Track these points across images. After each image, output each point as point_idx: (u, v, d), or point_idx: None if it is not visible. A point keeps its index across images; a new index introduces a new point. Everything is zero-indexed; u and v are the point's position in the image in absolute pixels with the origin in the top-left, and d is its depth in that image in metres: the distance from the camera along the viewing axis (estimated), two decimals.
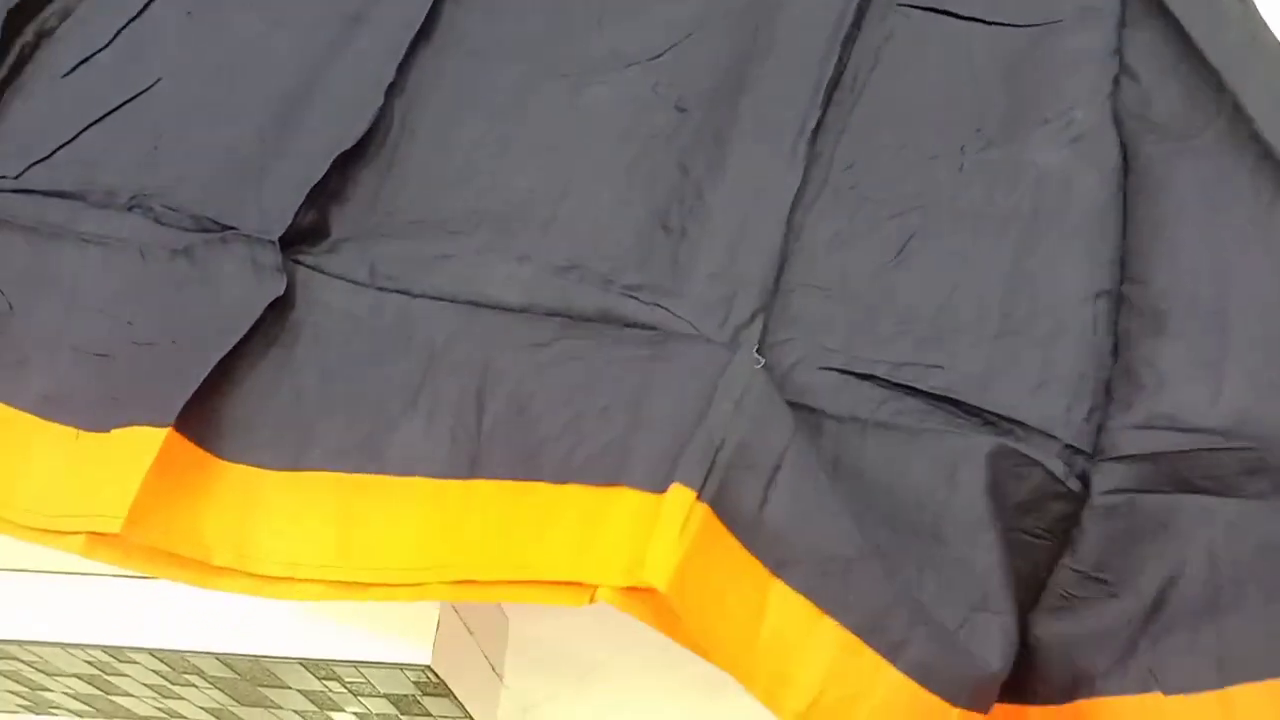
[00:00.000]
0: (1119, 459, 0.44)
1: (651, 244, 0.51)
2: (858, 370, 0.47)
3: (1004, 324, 0.47)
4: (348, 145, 0.55)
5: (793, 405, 0.45)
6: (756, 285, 0.49)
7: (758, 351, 0.47)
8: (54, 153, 0.61)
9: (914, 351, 0.47)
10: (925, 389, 0.46)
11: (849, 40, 0.57)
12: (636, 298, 0.49)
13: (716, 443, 0.41)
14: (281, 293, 0.50)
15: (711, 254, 0.50)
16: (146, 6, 0.68)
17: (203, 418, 0.48)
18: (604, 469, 0.44)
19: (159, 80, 0.64)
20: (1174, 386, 0.45)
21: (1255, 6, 0.55)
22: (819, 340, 0.48)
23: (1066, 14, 0.57)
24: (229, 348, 0.49)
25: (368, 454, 0.46)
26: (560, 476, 0.44)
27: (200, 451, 0.48)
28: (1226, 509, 0.43)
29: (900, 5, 0.60)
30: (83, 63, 0.65)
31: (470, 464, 0.46)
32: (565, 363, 0.47)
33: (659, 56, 0.60)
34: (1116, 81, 0.53)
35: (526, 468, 0.45)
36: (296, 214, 0.52)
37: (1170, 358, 0.45)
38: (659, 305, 0.49)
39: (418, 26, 0.61)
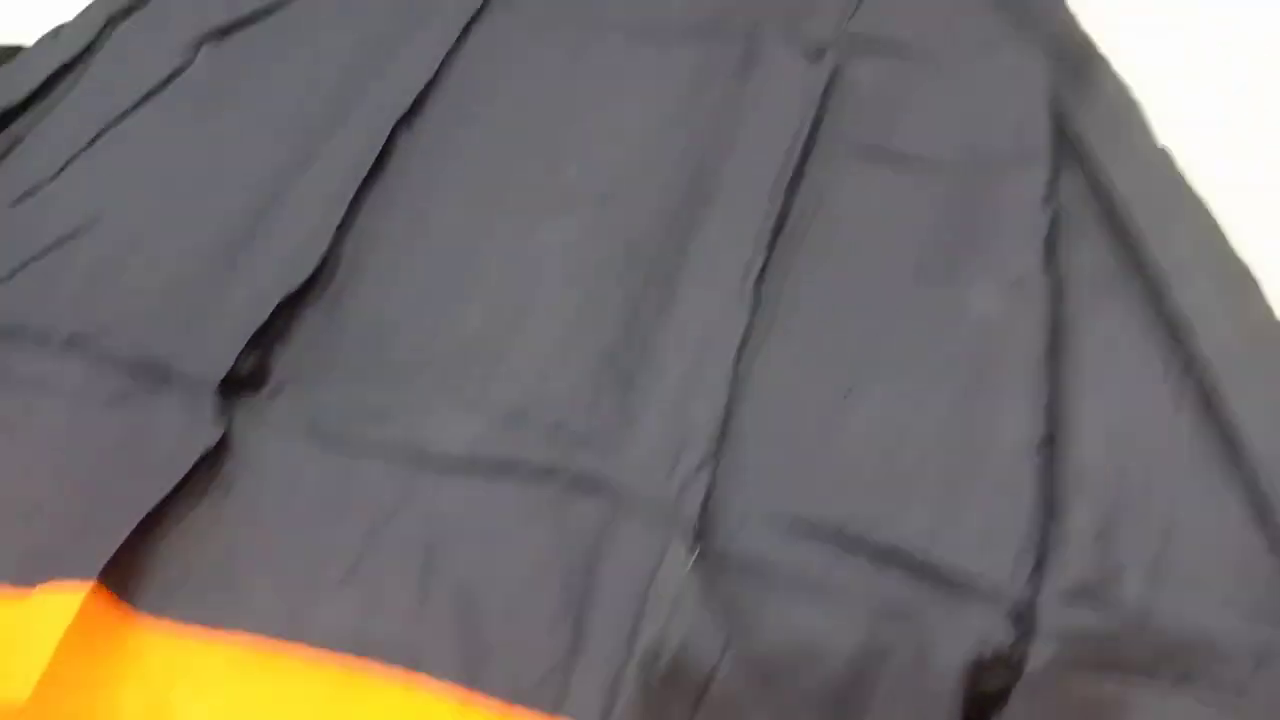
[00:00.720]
0: (1050, 632, 0.43)
1: (600, 388, 0.51)
2: (806, 522, 0.47)
3: (950, 475, 0.47)
4: (294, 287, 0.55)
5: (741, 567, 0.44)
6: (704, 433, 0.48)
7: (705, 502, 0.46)
8: None
9: (862, 502, 0.47)
10: (874, 542, 0.46)
11: (794, 183, 0.59)
12: (584, 448, 0.49)
13: (650, 663, 0.41)
14: (215, 443, 0.49)
15: (660, 400, 0.50)
16: (96, 138, 0.68)
17: (129, 573, 0.46)
18: (549, 695, 0.42)
19: (103, 215, 0.63)
20: (1091, 559, 0.44)
21: (1173, 159, 0.58)
22: (767, 490, 0.48)
23: (1003, 158, 0.59)
24: (159, 499, 0.48)
25: (297, 624, 0.45)
26: (510, 696, 0.42)
27: (124, 608, 0.46)
28: (1146, 698, 0.42)
29: (844, 148, 0.61)
30: (28, 194, 0.65)
31: (411, 657, 0.44)
32: (514, 545, 0.46)
33: (611, 195, 0.61)
34: (1051, 226, 0.55)
35: (471, 676, 0.43)
36: (237, 358, 0.52)
37: (1089, 528, 0.45)
38: (607, 457, 0.48)
39: (370, 163, 0.61)
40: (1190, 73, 0.69)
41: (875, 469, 0.48)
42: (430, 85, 0.67)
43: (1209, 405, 0.48)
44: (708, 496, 0.46)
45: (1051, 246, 0.54)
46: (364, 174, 0.61)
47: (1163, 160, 0.57)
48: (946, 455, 0.48)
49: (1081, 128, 0.58)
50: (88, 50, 0.74)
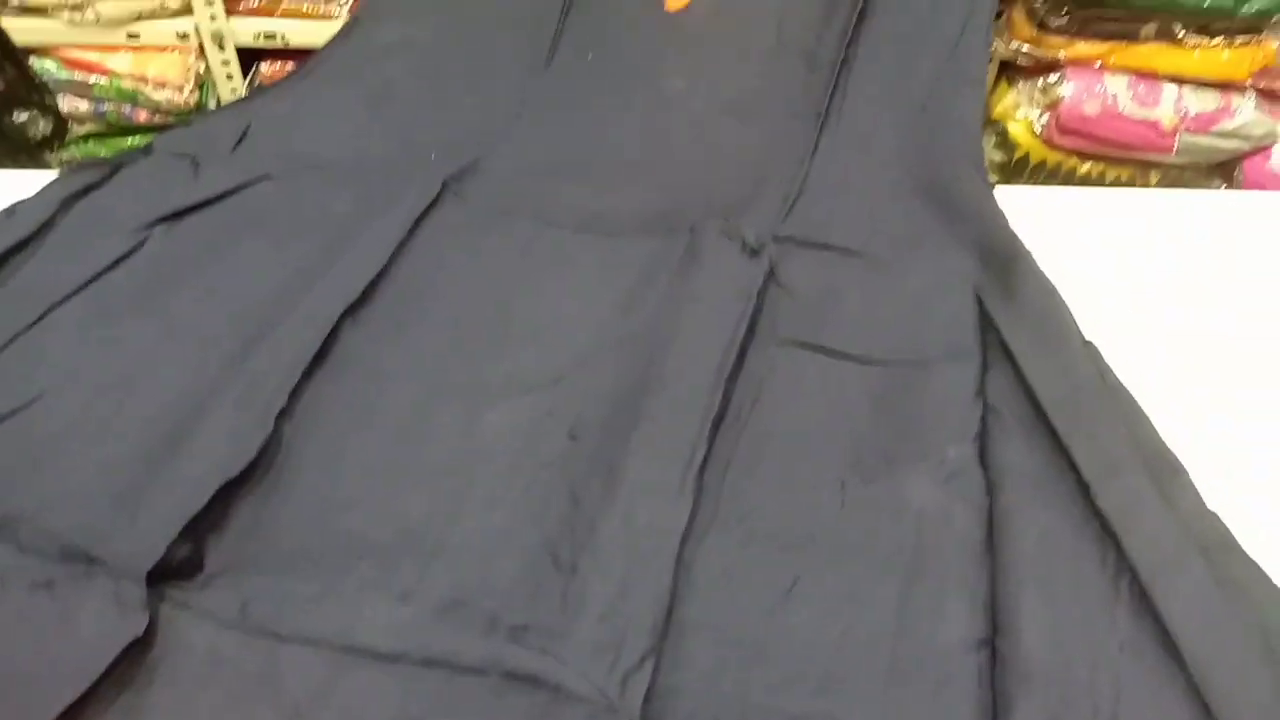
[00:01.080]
0: None
1: (540, 579, 0.51)
2: None
3: (893, 671, 0.47)
4: (232, 474, 0.54)
5: None
6: (647, 626, 0.48)
7: (647, 697, 0.45)
8: None
9: (807, 700, 0.46)
10: None
11: (734, 373, 0.60)
12: (523, 643, 0.48)
13: None
14: (141, 632, 0.47)
15: (601, 592, 0.49)
16: (42, 316, 0.68)
17: None
18: None
19: (43, 394, 0.63)
20: None
21: (1098, 354, 0.60)
22: (711, 686, 0.47)
23: (933, 354, 0.61)
24: (80, 691, 0.46)
25: None
26: None
27: None
28: None
29: (780, 341, 0.63)
30: None
31: None
32: None
33: (555, 384, 0.61)
34: (983, 422, 0.56)
35: None
36: (170, 546, 0.50)
37: None
38: (546, 652, 0.47)
39: (315, 350, 0.62)
40: (1116, 264, 0.73)
41: (819, 665, 0.47)
42: (381, 274, 0.68)
43: (1144, 600, 0.48)
44: (650, 690, 0.45)
45: (984, 442, 0.55)
46: (308, 362, 0.61)
47: (1086, 358, 0.59)
48: (890, 652, 0.47)
49: (1006, 329, 0.61)
50: (43, 228, 0.75)
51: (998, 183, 1.44)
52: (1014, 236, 0.68)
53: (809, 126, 0.79)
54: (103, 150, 1.60)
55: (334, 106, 0.86)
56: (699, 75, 0.86)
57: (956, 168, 0.74)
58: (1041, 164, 1.43)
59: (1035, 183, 1.45)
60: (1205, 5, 1.27)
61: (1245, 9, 1.28)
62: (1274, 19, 1.30)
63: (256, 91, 0.88)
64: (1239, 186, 1.45)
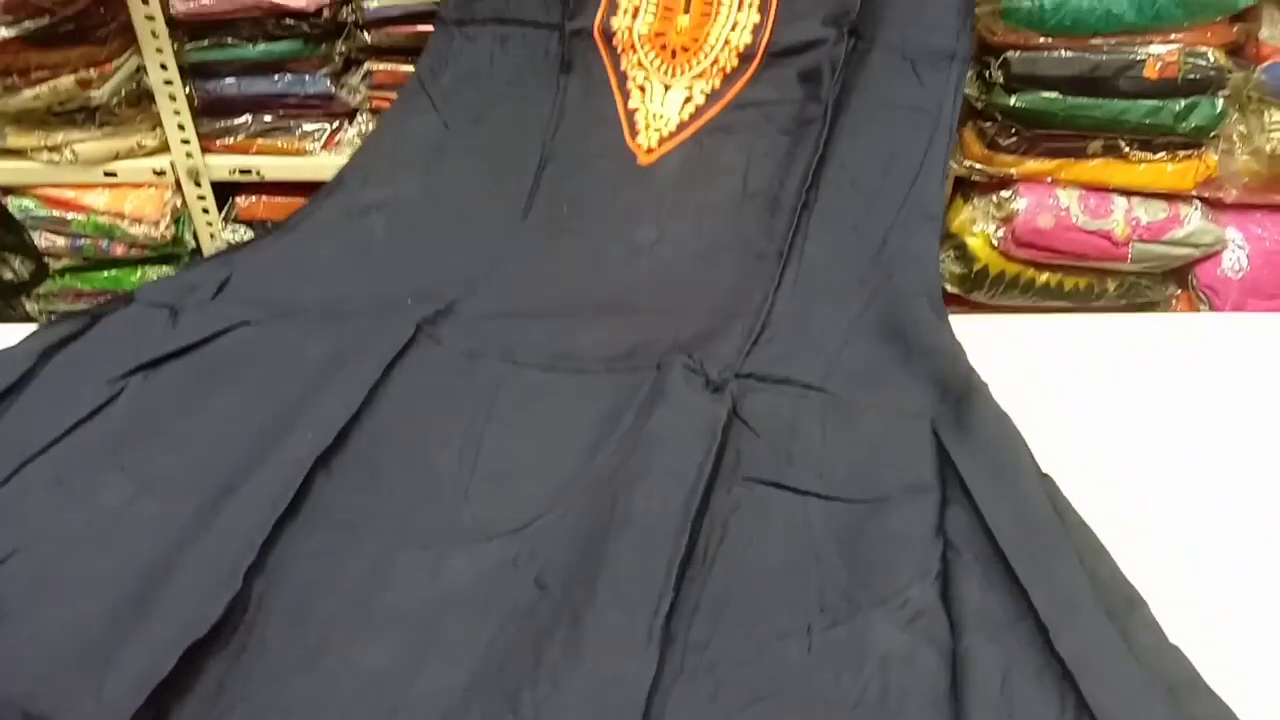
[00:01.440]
0: None
1: None
2: None
3: None
4: (200, 634, 0.54)
5: None
6: None
7: None
8: None
9: None
10: None
11: (700, 513, 0.61)
12: None
13: None
14: None
15: None
16: (17, 470, 0.68)
17: None
18: None
19: (14, 552, 0.63)
20: None
21: (1057, 486, 0.62)
22: None
23: (894, 491, 0.63)
24: None
25: None
26: None
27: None
28: None
29: (744, 479, 0.65)
30: None
31: None
32: None
33: (522, 529, 0.62)
34: (944, 560, 0.58)
35: None
36: (135, 713, 0.50)
37: None
38: None
39: (287, 502, 0.63)
40: (1072, 391, 0.75)
41: None
42: (353, 419, 0.69)
43: None
44: None
45: (945, 582, 0.56)
46: (281, 510, 0.62)
47: (1043, 493, 0.61)
48: None
49: (963, 465, 0.62)
50: (21, 380, 0.76)
51: (960, 294, 1.49)
52: (970, 370, 0.70)
53: (771, 265, 0.82)
54: (80, 284, 1.62)
55: (315, 259, 0.89)
56: (669, 226, 0.89)
57: (913, 305, 0.77)
58: (1001, 275, 1.47)
59: (996, 294, 1.49)
60: (1147, 122, 1.33)
61: (1184, 125, 1.33)
62: (1212, 134, 1.36)
63: (238, 245, 0.91)
64: (1193, 291, 1.50)
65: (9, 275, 1.26)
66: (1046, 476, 0.63)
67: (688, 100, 0.97)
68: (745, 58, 0.97)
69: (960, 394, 0.68)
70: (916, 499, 0.62)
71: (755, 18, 0.97)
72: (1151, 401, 0.75)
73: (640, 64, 0.98)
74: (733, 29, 0.97)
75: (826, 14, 0.92)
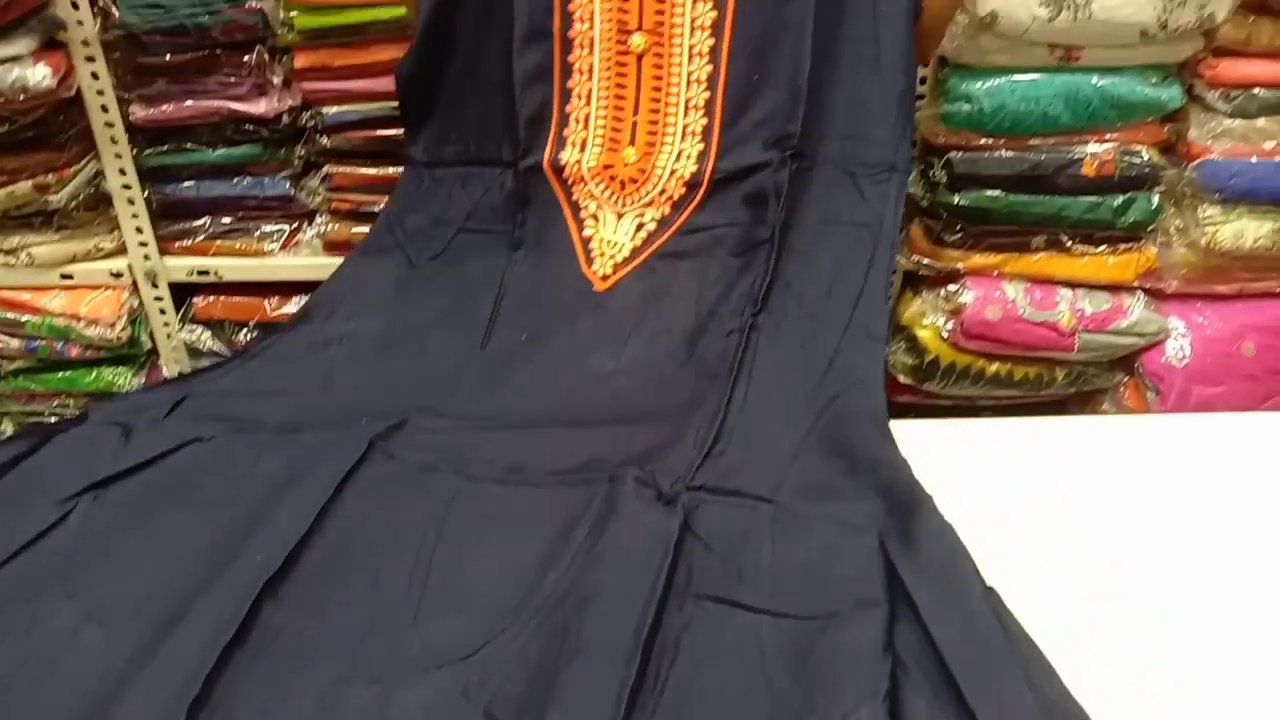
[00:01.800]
0: None
1: None
2: None
3: None
4: None
5: None
6: None
7: None
8: None
9: None
10: None
11: (652, 634, 0.61)
12: None
13: None
14: None
15: None
16: None
17: None
18: None
19: None
20: None
21: (1000, 601, 0.63)
22: None
23: (843, 606, 0.63)
24: None
25: None
26: None
27: None
28: None
29: (695, 596, 0.65)
30: None
31: None
32: None
33: (471, 656, 0.62)
34: (892, 678, 0.58)
35: None
36: None
37: None
38: None
39: (233, 631, 0.62)
40: (1015, 498, 0.77)
41: None
42: (303, 541, 0.69)
43: None
44: None
45: (894, 701, 0.57)
46: (228, 638, 0.61)
47: (988, 608, 0.61)
48: None
49: (910, 581, 0.63)
50: None
51: (913, 384, 1.51)
52: (914, 483, 0.71)
53: (722, 382, 0.84)
54: (33, 385, 1.60)
55: (274, 385, 0.90)
56: (625, 352, 0.91)
57: (859, 423, 0.78)
58: (952, 366, 1.50)
59: (947, 384, 1.51)
60: (1087, 217, 1.38)
61: (1123, 220, 1.38)
62: (1150, 227, 1.41)
63: (196, 371, 0.91)
64: (1139, 378, 1.53)
65: None
66: (991, 590, 0.64)
67: (639, 228, 1.00)
68: (692, 185, 1.00)
69: (906, 507, 0.69)
70: (865, 615, 0.62)
71: (699, 145, 1.00)
72: (1093, 506, 0.77)
73: (591, 194, 1.01)
74: (678, 159, 1.00)
75: (767, 138, 0.96)
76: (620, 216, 1.00)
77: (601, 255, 0.99)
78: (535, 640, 0.62)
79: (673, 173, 0.98)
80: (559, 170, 1.01)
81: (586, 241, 1.00)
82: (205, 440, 0.81)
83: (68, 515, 0.75)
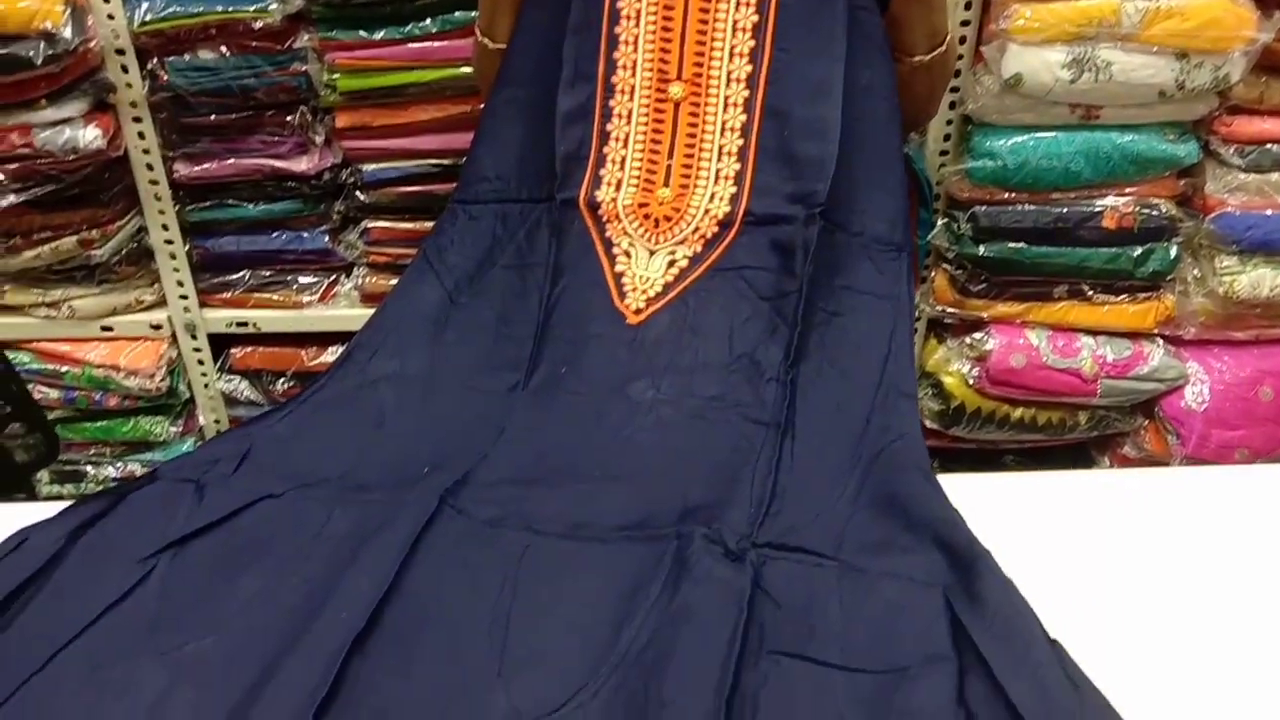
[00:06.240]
0: None
1: None
2: None
3: None
4: None
5: None
6: None
7: None
8: None
9: None
10: None
11: (732, 692, 0.63)
12: None
13: None
14: None
15: None
16: (53, 658, 0.69)
17: None
18: None
19: None
20: None
21: (1064, 653, 0.65)
22: None
23: (913, 660, 0.66)
24: None
25: None
26: None
27: None
28: None
29: (769, 652, 0.67)
30: None
31: None
32: None
33: (556, 711, 0.64)
34: None
35: None
36: None
37: None
38: None
39: (326, 689, 0.64)
40: (1072, 550, 0.79)
41: None
42: (384, 599, 0.71)
43: None
44: None
45: None
46: (319, 701, 0.63)
47: (1053, 660, 0.64)
48: None
49: (977, 636, 0.65)
50: (51, 562, 0.77)
51: (939, 429, 1.53)
52: (972, 538, 0.74)
53: (772, 435, 0.86)
54: (71, 435, 1.63)
55: (331, 430, 0.92)
56: (663, 384, 0.94)
57: (907, 480, 0.81)
58: (977, 411, 1.53)
59: (973, 429, 1.54)
60: (1108, 268, 1.41)
61: (1142, 270, 1.42)
62: (1168, 277, 1.45)
63: (256, 418, 0.93)
64: (1159, 422, 1.56)
65: (22, 456, 1.27)
66: (1056, 642, 0.66)
67: (671, 264, 1.03)
68: (724, 224, 1.03)
69: (967, 562, 0.71)
70: (936, 669, 0.64)
71: (732, 189, 1.04)
72: (1145, 558, 0.79)
73: (625, 231, 1.04)
74: (711, 200, 1.03)
75: (791, 193, 0.99)
76: (652, 254, 1.03)
77: (634, 290, 1.02)
78: (618, 697, 0.64)
79: (707, 211, 1.01)
80: (594, 208, 1.04)
81: (619, 277, 1.03)
82: (276, 496, 0.83)
83: (149, 574, 0.76)
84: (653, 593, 0.72)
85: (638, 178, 1.04)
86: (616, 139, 1.05)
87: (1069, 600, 0.71)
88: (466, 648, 0.69)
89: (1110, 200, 1.38)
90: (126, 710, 0.66)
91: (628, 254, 1.03)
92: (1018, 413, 1.54)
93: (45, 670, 0.69)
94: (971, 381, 1.51)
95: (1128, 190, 1.38)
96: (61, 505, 0.83)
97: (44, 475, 1.64)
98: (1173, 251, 1.41)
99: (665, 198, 1.03)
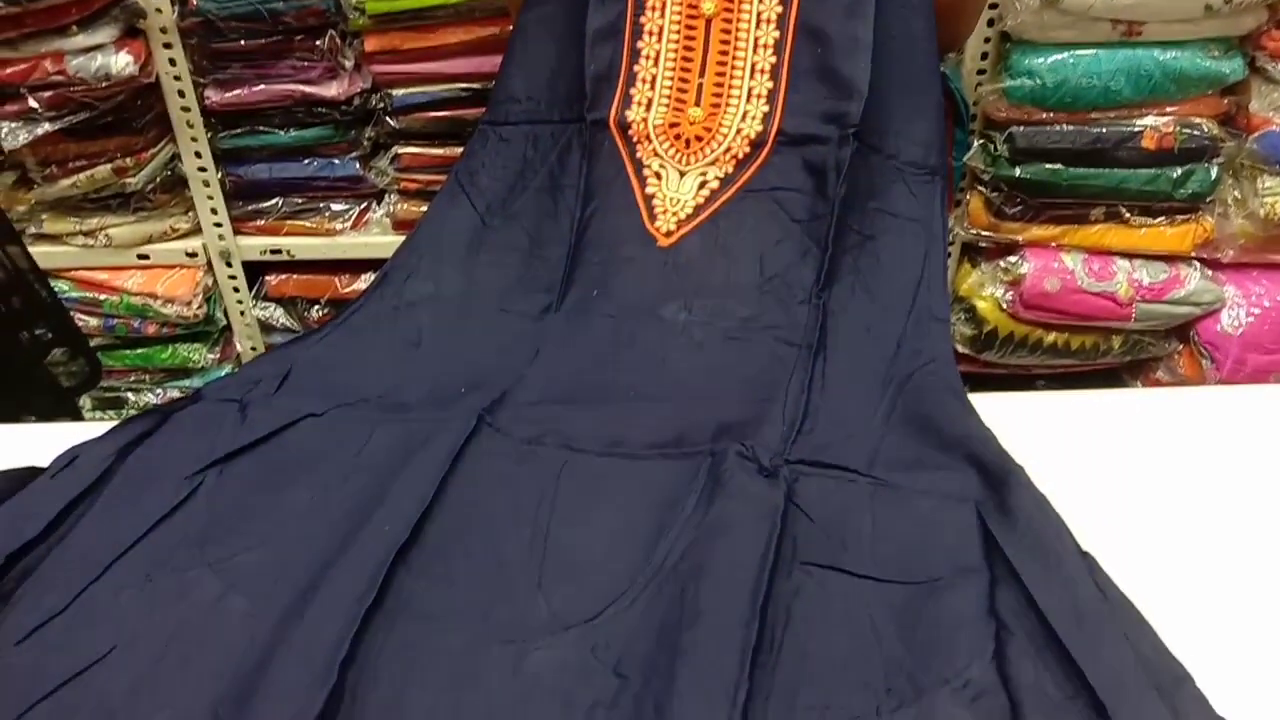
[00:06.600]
0: None
1: None
2: None
3: None
4: None
5: None
6: None
7: None
8: None
9: None
10: None
11: (766, 601, 0.64)
12: None
13: None
14: None
15: None
16: (108, 568, 0.72)
17: None
18: None
19: (112, 649, 0.66)
20: None
21: (1097, 565, 0.66)
22: None
23: (945, 572, 0.66)
24: None
25: None
26: None
27: None
28: None
29: (802, 564, 0.68)
30: (38, 629, 0.68)
31: None
32: None
33: (595, 618, 0.66)
34: (997, 639, 0.61)
35: None
36: None
37: None
38: None
39: (373, 596, 0.66)
40: (1102, 467, 0.80)
41: None
42: (426, 513, 0.73)
43: None
44: None
45: (1001, 660, 0.60)
46: (368, 605, 0.65)
47: (1085, 572, 0.65)
48: None
49: (1009, 549, 0.66)
50: (101, 479, 0.79)
51: (971, 354, 1.53)
52: (1004, 454, 0.74)
53: (804, 356, 0.87)
54: (110, 362, 1.66)
55: (369, 351, 0.93)
56: (695, 306, 0.94)
57: (939, 400, 0.81)
58: (1010, 336, 1.52)
59: (1005, 354, 1.54)
60: (1146, 189, 1.39)
61: (1181, 191, 1.39)
62: (1208, 199, 1.42)
63: (295, 339, 0.95)
64: (1194, 346, 1.55)
65: (66, 381, 1.30)
66: (1087, 555, 0.66)
67: (702, 185, 1.02)
68: (756, 144, 1.02)
69: (999, 478, 0.72)
70: (967, 580, 0.65)
71: (764, 108, 1.03)
72: (1177, 474, 0.80)
73: (655, 152, 1.03)
74: (743, 119, 1.02)
75: (825, 112, 0.98)
76: (683, 175, 1.03)
77: (664, 212, 1.01)
78: (655, 605, 0.65)
79: (739, 131, 1.00)
80: (624, 128, 1.03)
81: (650, 199, 1.02)
82: (318, 415, 0.84)
83: (196, 490, 0.78)
84: (688, 506, 0.73)
85: (668, 97, 1.03)
86: (647, 57, 1.04)
87: (1101, 516, 0.72)
88: (507, 559, 0.71)
89: (1150, 120, 1.35)
90: (182, 615, 0.68)
91: (658, 175, 1.02)
92: (1051, 337, 1.53)
93: (102, 579, 0.71)
94: (1005, 306, 1.50)
95: (1168, 109, 1.35)
96: (108, 425, 0.85)
97: (86, 402, 1.68)
98: (1213, 172, 1.38)
99: (696, 117, 1.02)
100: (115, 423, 0.85)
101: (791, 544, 0.69)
